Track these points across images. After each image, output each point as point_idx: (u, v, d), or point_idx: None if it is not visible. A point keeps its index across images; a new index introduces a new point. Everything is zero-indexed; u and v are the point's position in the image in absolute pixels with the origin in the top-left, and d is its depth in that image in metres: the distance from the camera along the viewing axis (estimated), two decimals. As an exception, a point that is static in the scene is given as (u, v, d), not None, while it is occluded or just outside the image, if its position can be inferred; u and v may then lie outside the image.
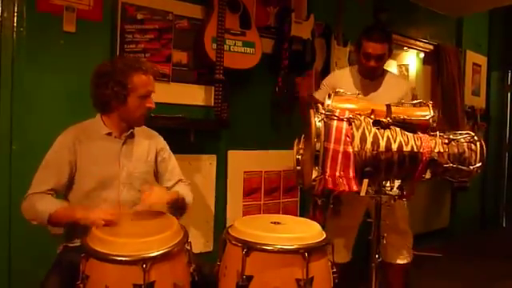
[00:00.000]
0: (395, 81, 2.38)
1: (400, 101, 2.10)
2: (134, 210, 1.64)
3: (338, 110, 1.53)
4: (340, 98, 1.66)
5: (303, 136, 1.77)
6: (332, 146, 1.46)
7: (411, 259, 2.40)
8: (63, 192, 1.60)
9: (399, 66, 4.34)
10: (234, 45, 2.58)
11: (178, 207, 1.68)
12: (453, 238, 4.23)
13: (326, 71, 3.08)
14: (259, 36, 2.68)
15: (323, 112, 1.50)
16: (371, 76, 2.30)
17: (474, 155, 1.52)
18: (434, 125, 1.62)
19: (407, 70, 4.35)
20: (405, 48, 4.12)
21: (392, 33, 2.40)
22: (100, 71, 1.62)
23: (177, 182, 1.84)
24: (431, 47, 4.14)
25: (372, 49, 2.18)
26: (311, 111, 1.52)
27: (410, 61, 4.36)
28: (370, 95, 2.27)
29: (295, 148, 1.93)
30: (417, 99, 1.85)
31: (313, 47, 2.94)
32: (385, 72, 2.35)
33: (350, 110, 1.58)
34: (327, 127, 1.47)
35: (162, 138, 1.86)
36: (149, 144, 1.78)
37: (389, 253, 2.32)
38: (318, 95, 2.39)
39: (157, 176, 1.83)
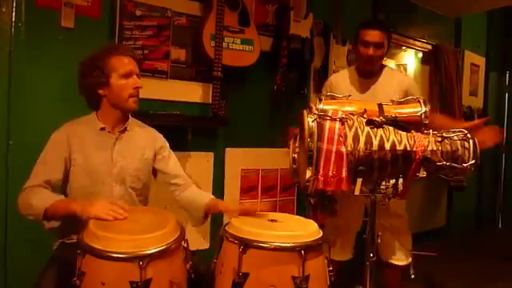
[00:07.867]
0: (394, 75, 2.32)
1: (403, 96, 2.08)
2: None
3: (330, 110, 1.54)
4: (331, 101, 1.66)
5: (299, 135, 1.77)
6: (325, 145, 1.46)
7: (409, 262, 2.35)
8: (59, 187, 1.60)
9: (397, 65, 4.34)
10: (233, 42, 2.58)
11: None
12: (449, 237, 4.25)
13: (324, 70, 3.09)
14: (258, 34, 2.69)
15: (316, 112, 1.50)
16: (369, 71, 2.25)
17: (467, 153, 1.51)
18: (426, 121, 1.62)
19: (405, 70, 4.35)
20: (403, 48, 4.12)
21: (390, 30, 2.38)
22: (81, 64, 1.65)
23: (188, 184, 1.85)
24: (429, 47, 4.15)
25: (369, 36, 2.15)
26: (304, 111, 1.52)
27: (409, 60, 4.37)
28: (368, 92, 2.25)
29: (291, 146, 1.93)
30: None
31: (311, 46, 2.95)
32: (383, 67, 2.31)
33: (343, 112, 1.58)
34: (320, 127, 1.47)
35: (162, 136, 1.83)
36: (146, 141, 1.75)
37: (384, 252, 2.33)
38: None
39: (156, 174, 1.82)
